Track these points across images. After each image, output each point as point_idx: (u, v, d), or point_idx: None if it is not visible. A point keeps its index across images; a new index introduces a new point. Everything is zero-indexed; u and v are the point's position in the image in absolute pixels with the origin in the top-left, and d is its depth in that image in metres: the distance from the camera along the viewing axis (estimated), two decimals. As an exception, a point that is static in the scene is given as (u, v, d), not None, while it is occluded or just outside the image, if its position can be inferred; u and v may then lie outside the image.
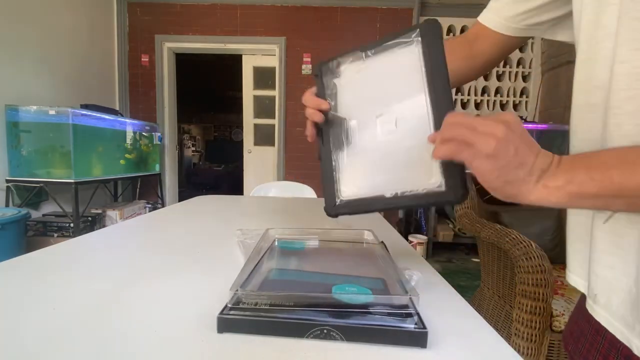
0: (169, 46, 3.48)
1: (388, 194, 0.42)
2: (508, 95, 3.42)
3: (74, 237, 0.75)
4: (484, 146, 0.30)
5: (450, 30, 3.42)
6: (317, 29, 3.34)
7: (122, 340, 0.33)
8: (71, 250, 0.60)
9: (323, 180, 0.49)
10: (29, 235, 2.37)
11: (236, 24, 3.37)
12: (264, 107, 3.69)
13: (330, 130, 0.49)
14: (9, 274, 0.48)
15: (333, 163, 0.48)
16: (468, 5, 3.31)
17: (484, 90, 3.45)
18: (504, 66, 3.41)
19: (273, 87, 3.52)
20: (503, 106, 3.45)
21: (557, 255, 1.54)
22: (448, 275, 2.61)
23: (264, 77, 3.63)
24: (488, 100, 3.41)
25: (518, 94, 3.42)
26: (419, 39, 0.42)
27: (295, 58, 3.38)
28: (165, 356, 0.31)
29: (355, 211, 0.45)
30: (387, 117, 0.44)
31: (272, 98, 3.55)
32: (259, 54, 3.57)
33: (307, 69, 3.38)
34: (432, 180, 0.39)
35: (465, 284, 2.44)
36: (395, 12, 3.31)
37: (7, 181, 2.31)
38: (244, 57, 3.59)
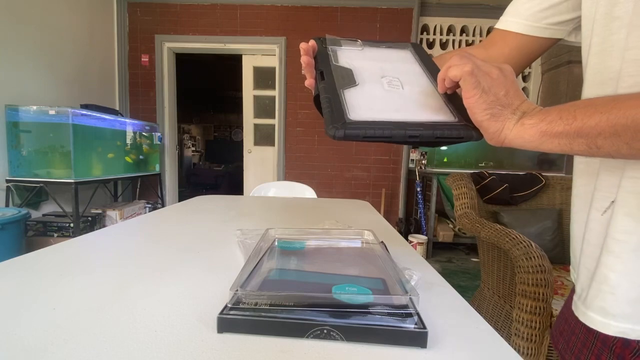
0: (169, 46, 3.48)
1: (407, 119, 0.38)
2: (508, 95, 3.42)
3: (74, 237, 0.75)
4: (480, 80, 0.33)
5: (450, 30, 3.42)
6: (317, 29, 3.34)
7: (122, 340, 0.33)
8: (71, 250, 0.60)
9: (325, 101, 0.40)
10: (29, 235, 2.37)
11: (236, 24, 3.37)
12: (264, 107, 3.69)
13: (333, 73, 0.45)
14: (9, 274, 0.48)
15: (339, 92, 0.41)
16: (468, 5, 3.31)
17: (484, 90, 3.45)
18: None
19: (273, 87, 3.52)
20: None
21: (557, 255, 1.54)
22: (448, 275, 2.61)
23: (264, 77, 3.63)
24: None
25: (518, 94, 3.42)
26: (411, 48, 0.49)
27: (295, 58, 3.38)
28: (165, 356, 0.31)
29: (368, 134, 0.35)
30: (391, 79, 0.44)
31: (272, 98, 3.55)
32: (259, 54, 3.57)
33: (307, 69, 3.38)
34: (446, 117, 0.39)
35: (465, 284, 2.44)
36: (395, 12, 3.31)
37: (7, 181, 2.31)
38: (244, 57, 3.59)
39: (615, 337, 0.34)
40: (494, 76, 0.34)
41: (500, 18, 0.53)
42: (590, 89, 0.38)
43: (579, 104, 0.30)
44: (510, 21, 0.51)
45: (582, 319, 0.37)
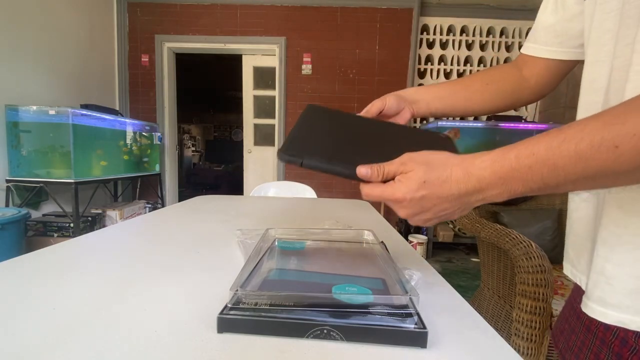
0: (169, 46, 3.48)
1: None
2: (508, 95, 3.42)
3: (74, 237, 0.75)
4: (398, 212, 0.35)
5: (450, 30, 3.42)
6: (317, 29, 3.34)
7: (122, 340, 0.33)
8: (71, 250, 0.60)
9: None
10: (29, 235, 2.37)
11: (236, 24, 3.37)
12: (264, 107, 3.70)
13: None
14: (9, 274, 0.48)
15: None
16: (468, 5, 3.31)
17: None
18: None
19: (273, 87, 3.52)
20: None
21: (557, 255, 1.54)
22: (448, 275, 2.61)
23: (264, 77, 3.63)
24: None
25: (518, 94, 3.42)
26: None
27: (295, 58, 3.38)
28: (165, 356, 0.31)
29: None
30: None
31: (272, 98, 3.56)
32: (259, 54, 3.57)
33: (307, 69, 3.38)
34: None
35: (465, 284, 2.44)
36: (395, 12, 3.31)
37: (7, 181, 2.31)
38: (244, 57, 3.59)
39: (614, 335, 0.34)
40: (402, 214, 0.35)
41: (525, 43, 0.56)
42: (585, 96, 0.39)
43: (535, 165, 0.28)
44: (533, 47, 0.53)
45: (583, 309, 0.37)
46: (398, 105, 0.55)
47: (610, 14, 0.35)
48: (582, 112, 0.40)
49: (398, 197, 0.33)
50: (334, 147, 0.41)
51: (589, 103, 0.38)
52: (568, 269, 0.44)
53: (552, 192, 0.29)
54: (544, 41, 0.52)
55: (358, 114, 0.53)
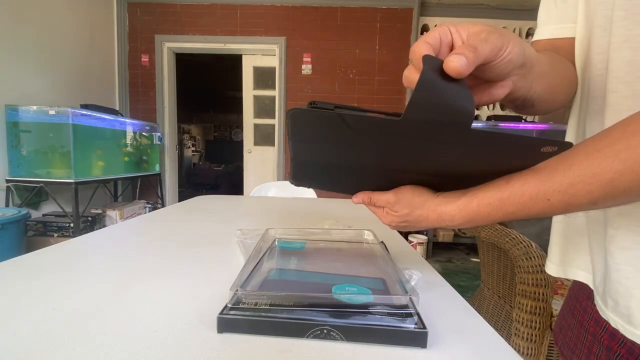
0: (169, 46, 3.48)
1: None
2: (508, 95, 3.42)
3: (74, 237, 0.75)
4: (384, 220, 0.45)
5: (450, 30, 3.42)
6: (317, 29, 3.34)
7: (122, 340, 0.33)
8: (71, 250, 0.60)
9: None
10: (29, 235, 2.37)
11: (236, 24, 3.37)
12: (264, 107, 3.69)
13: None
14: (9, 274, 0.48)
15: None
16: (468, 5, 3.31)
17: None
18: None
19: (273, 87, 3.52)
20: (503, 106, 3.44)
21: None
22: (448, 275, 2.60)
23: (264, 77, 3.63)
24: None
25: (518, 94, 3.42)
26: None
27: (295, 58, 3.38)
28: (165, 356, 0.31)
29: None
30: None
31: (272, 98, 3.55)
32: (259, 54, 3.57)
33: (307, 69, 3.38)
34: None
35: (465, 284, 2.44)
36: (395, 12, 3.31)
37: (7, 181, 2.31)
38: (244, 57, 3.59)
39: (603, 330, 0.37)
40: (391, 226, 0.44)
41: (544, 29, 0.44)
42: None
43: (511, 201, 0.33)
44: (557, 27, 0.42)
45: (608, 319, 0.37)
46: (518, 60, 0.29)
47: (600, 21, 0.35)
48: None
49: (385, 221, 0.44)
50: (335, 170, 0.45)
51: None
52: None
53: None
54: (569, 17, 0.41)
55: (365, 113, 0.34)
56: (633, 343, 0.32)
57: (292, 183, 0.48)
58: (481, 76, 0.30)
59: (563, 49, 0.42)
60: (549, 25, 0.43)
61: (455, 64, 0.25)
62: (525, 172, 0.33)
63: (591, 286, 0.39)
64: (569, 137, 0.43)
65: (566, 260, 0.44)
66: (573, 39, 0.41)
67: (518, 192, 0.32)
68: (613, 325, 0.34)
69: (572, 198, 0.29)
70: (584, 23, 0.39)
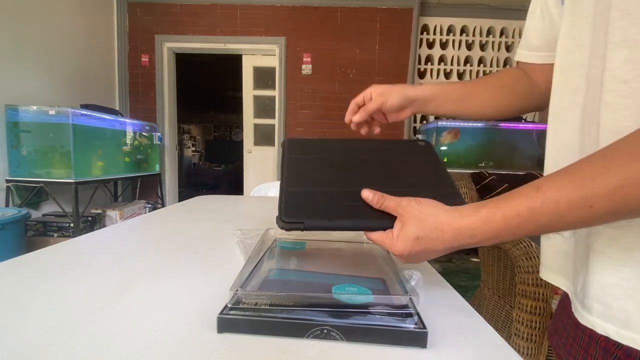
0: (169, 46, 3.48)
1: None
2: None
3: (74, 237, 0.75)
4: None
5: (450, 30, 3.42)
6: (317, 29, 3.34)
7: (122, 340, 0.33)
8: (71, 250, 0.60)
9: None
10: (29, 235, 2.37)
11: (236, 24, 3.37)
12: (264, 107, 3.70)
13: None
14: (9, 274, 0.48)
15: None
16: (468, 5, 3.31)
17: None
18: (505, 66, 3.41)
19: (273, 87, 3.52)
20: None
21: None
22: (448, 275, 2.60)
23: (264, 77, 3.63)
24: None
25: (518, 94, 3.42)
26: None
27: (295, 58, 3.38)
28: (165, 356, 0.31)
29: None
30: None
31: (272, 98, 3.56)
32: (259, 54, 3.57)
33: (307, 69, 3.38)
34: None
35: (465, 284, 2.44)
36: (395, 12, 3.31)
37: (7, 181, 2.31)
38: (244, 57, 3.59)
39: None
40: (403, 261, 0.39)
41: (518, 51, 0.55)
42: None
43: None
44: (527, 54, 0.53)
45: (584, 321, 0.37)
46: (400, 105, 0.55)
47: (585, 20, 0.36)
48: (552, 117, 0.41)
49: (396, 251, 0.37)
50: (329, 198, 0.42)
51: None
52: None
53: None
54: (536, 47, 0.51)
55: (340, 139, 0.55)
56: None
57: (283, 227, 0.40)
58: (386, 111, 0.56)
59: (530, 70, 0.54)
60: (520, 49, 0.55)
61: (355, 118, 0.55)
62: (555, 177, 0.30)
63: (569, 292, 0.39)
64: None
65: (546, 263, 0.43)
66: (537, 64, 0.52)
67: (553, 199, 0.28)
68: (601, 332, 0.33)
69: (620, 204, 0.25)
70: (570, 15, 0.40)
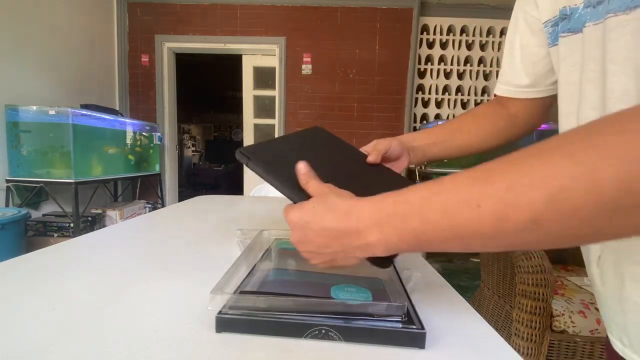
0: (169, 46, 3.48)
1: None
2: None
3: (74, 237, 0.75)
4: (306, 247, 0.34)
5: (450, 30, 3.42)
6: (317, 29, 3.34)
7: (122, 340, 0.33)
8: (71, 250, 0.60)
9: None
10: (29, 235, 2.37)
11: (236, 24, 3.37)
12: (264, 107, 3.69)
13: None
14: (9, 274, 0.48)
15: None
16: (468, 5, 3.31)
17: (484, 91, 3.46)
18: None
19: (273, 87, 3.52)
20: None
21: (557, 255, 1.54)
22: (448, 275, 2.60)
23: (264, 77, 3.63)
24: (482, 100, 3.41)
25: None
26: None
27: (295, 58, 3.38)
28: (164, 356, 0.31)
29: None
30: None
31: (272, 98, 3.55)
32: (259, 54, 3.57)
33: (307, 69, 3.38)
34: None
35: (465, 284, 2.44)
36: (395, 12, 3.31)
37: (7, 181, 2.31)
38: (244, 57, 3.59)
39: None
40: (301, 249, 0.34)
41: (497, 85, 0.57)
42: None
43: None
44: (506, 89, 0.55)
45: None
46: (400, 150, 0.56)
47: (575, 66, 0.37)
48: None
49: (290, 218, 0.33)
50: (288, 161, 0.41)
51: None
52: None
53: (431, 250, 0.28)
54: (515, 83, 0.53)
55: (353, 146, 0.56)
56: None
57: (236, 154, 0.42)
58: (389, 157, 0.55)
59: (510, 103, 0.57)
60: (499, 84, 0.57)
61: (371, 158, 0.52)
62: (461, 173, 0.26)
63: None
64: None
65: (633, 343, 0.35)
66: (513, 98, 0.55)
67: (447, 190, 0.25)
68: None
69: (508, 207, 0.22)
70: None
